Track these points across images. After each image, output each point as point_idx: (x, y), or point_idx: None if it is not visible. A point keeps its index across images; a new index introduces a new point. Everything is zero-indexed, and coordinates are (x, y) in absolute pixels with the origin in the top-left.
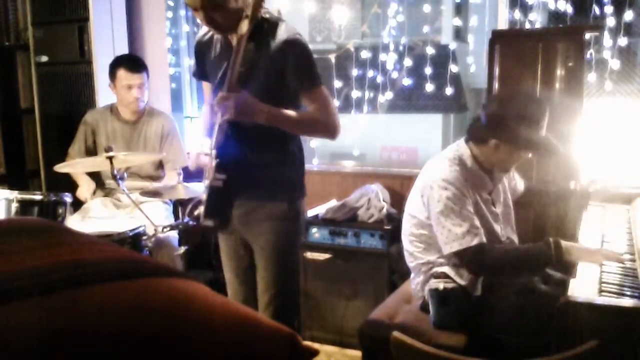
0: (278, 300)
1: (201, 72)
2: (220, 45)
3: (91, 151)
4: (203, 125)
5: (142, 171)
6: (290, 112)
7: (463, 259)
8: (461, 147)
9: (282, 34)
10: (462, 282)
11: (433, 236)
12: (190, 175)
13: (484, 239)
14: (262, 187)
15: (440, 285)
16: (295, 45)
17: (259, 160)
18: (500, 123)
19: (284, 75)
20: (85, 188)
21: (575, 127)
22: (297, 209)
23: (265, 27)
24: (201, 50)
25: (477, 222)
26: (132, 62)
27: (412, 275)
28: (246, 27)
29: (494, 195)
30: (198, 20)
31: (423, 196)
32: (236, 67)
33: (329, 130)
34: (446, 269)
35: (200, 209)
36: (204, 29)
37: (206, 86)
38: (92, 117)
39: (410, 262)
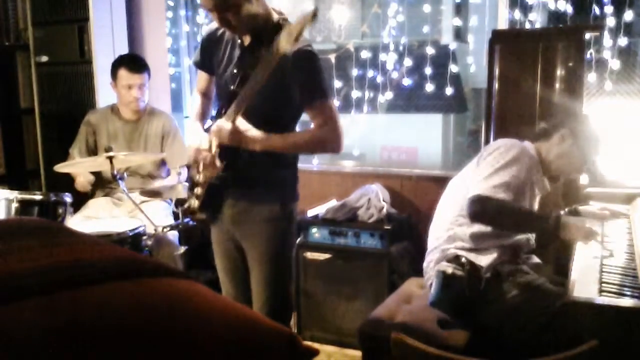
0: (271, 303)
1: (203, 63)
2: (231, 44)
3: (92, 151)
4: (196, 115)
5: (143, 170)
6: (286, 137)
7: (481, 206)
8: (525, 142)
9: None
10: (481, 263)
11: None
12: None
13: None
14: (255, 188)
15: (449, 269)
16: (303, 58)
17: (257, 162)
18: (571, 117)
19: (288, 87)
20: (82, 177)
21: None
22: (289, 211)
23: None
24: (210, 43)
25: (513, 189)
26: (133, 62)
27: (427, 250)
28: (287, 48)
29: (539, 193)
30: (198, 21)
31: (481, 156)
32: (256, 85)
33: (330, 147)
34: (464, 253)
35: (190, 203)
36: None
37: (201, 76)
38: (93, 117)
39: (434, 233)
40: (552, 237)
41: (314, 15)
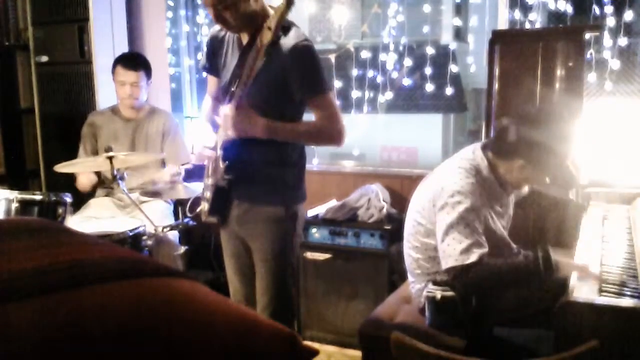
0: (275, 303)
1: (210, 67)
2: (232, 45)
3: (96, 152)
4: (207, 118)
5: (143, 170)
6: (291, 125)
7: (455, 276)
8: (478, 157)
9: (290, 40)
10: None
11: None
12: (190, 175)
13: (480, 256)
14: (260, 188)
15: (438, 294)
16: (300, 53)
17: (259, 161)
18: (531, 147)
19: (288, 83)
20: (85, 178)
21: (575, 127)
22: (294, 211)
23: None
24: (214, 45)
25: (483, 239)
26: (128, 59)
27: (410, 279)
28: (268, 39)
29: (504, 207)
30: (198, 21)
31: (435, 205)
32: (248, 79)
33: (333, 139)
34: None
35: (202, 206)
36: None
37: (211, 80)
38: (95, 119)
39: (412, 268)
40: (544, 276)
41: (288, 4)
